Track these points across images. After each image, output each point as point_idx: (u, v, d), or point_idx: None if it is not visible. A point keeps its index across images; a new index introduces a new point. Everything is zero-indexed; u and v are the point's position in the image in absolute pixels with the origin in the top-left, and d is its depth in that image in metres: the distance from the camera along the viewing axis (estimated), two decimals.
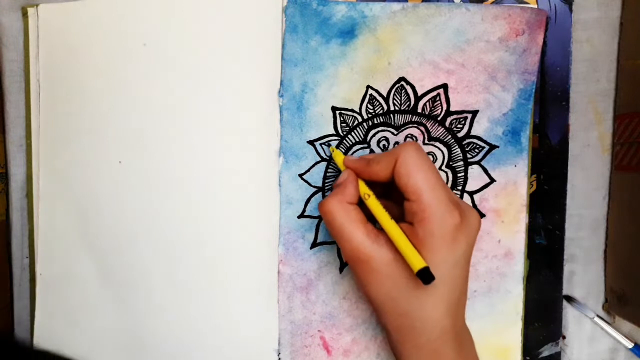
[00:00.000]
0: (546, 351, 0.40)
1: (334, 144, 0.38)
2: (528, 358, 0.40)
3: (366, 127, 0.38)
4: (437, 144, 0.38)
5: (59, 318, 0.42)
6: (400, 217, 0.32)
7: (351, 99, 0.38)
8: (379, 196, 0.33)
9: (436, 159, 0.38)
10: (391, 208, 0.33)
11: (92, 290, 0.41)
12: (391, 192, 0.33)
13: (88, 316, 0.41)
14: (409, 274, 0.30)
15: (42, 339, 0.42)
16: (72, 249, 0.41)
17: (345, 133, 0.38)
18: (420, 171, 0.31)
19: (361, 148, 0.38)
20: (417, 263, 0.29)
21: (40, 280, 0.41)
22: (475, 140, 0.38)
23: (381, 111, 0.38)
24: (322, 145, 0.38)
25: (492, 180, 0.38)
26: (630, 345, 0.39)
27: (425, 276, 0.29)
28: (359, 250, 0.31)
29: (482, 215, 0.38)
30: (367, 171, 0.33)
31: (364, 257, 0.31)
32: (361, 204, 0.33)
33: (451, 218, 0.30)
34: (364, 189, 0.33)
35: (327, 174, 0.39)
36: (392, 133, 0.38)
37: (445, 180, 0.38)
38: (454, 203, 0.31)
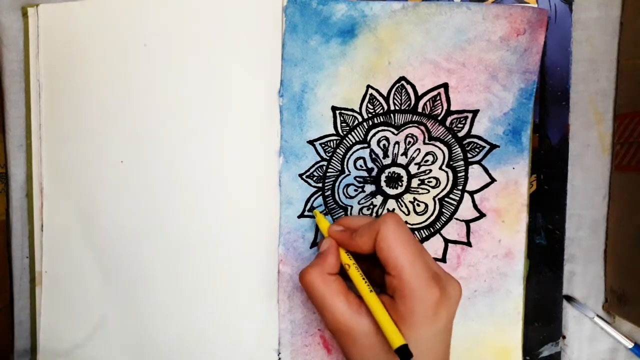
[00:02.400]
0: (546, 351, 0.40)
1: (333, 144, 0.38)
2: (528, 358, 0.40)
3: (366, 127, 0.38)
4: (438, 143, 0.38)
5: (64, 315, 0.42)
6: (384, 282, 0.32)
7: (351, 98, 0.38)
8: (364, 260, 0.34)
9: (436, 158, 0.38)
10: (375, 275, 0.34)
11: (95, 288, 0.41)
12: (376, 258, 0.33)
13: (91, 314, 0.41)
14: (389, 347, 0.30)
15: (47, 337, 0.42)
16: (75, 248, 0.41)
17: (345, 133, 0.38)
18: (399, 246, 0.31)
19: (361, 148, 0.38)
20: (396, 340, 0.29)
21: (45, 277, 0.42)
22: (475, 140, 0.38)
23: (381, 111, 0.38)
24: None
25: (493, 180, 0.38)
26: (630, 345, 0.39)
27: (404, 354, 0.29)
28: (340, 322, 0.31)
29: (482, 215, 0.38)
30: (350, 244, 0.33)
31: (345, 329, 0.31)
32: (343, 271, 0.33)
33: (431, 295, 0.30)
34: (345, 259, 0.33)
35: (327, 174, 0.39)
36: (393, 133, 0.38)
37: (446, 180, 0.38)
38: (434, 277, 0.31)
